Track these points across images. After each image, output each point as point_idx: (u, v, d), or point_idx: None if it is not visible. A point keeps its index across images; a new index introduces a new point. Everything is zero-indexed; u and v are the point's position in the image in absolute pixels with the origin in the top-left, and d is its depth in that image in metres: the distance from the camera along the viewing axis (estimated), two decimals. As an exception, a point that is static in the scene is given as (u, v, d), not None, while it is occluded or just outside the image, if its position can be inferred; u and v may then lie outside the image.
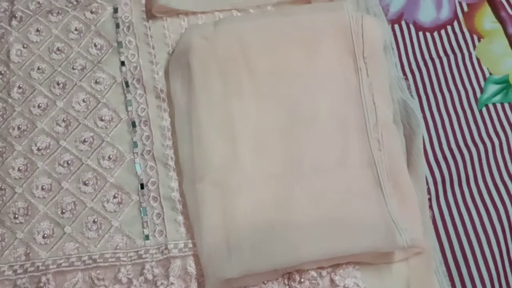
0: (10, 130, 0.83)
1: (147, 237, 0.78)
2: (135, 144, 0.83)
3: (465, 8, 0.96)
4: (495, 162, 0.82)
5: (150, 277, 0.75)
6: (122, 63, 0.89)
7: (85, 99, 0.86)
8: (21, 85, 0.87)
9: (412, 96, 0.88)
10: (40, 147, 0.82)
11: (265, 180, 0.78)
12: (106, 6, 0.93)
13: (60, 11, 0.92)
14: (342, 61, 0.85)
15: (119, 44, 0.90)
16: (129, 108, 0.86)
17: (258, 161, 0.79)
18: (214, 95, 0.83)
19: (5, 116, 0.85)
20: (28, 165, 0.81)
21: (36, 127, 0.84)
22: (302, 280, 0.74)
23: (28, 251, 0.76)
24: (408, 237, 0.72)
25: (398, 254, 0.75)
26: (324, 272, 0.75)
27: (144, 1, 0.94)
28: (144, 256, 0.76)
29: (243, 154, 0.79)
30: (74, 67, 0.88)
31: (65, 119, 0.85)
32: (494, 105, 0.87)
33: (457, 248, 0.77)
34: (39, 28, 0.91)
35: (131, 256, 0.76)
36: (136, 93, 0.87)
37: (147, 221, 0.79)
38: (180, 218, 0.79)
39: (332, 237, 0.73)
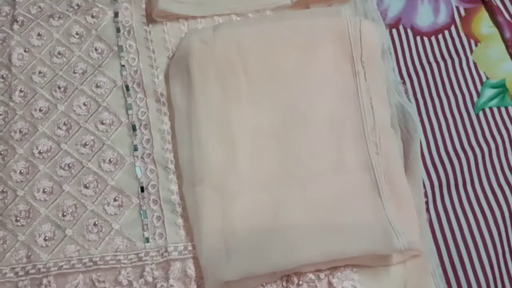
0: (12, 133, 0.84)
1: (147, 240, 0.78)
2: (135, 148, 0.84)
3: (463, 13, 0.96)
4: (491, 165, 0.83)
5: (150, 279, 0.75)
6: (123, 67, 0.89)
7: (86, 103, 0.86)
8: (22, 89, 0.87)
9: (409, 100, 0.88)
10: (41, 150, 0.83)
11: (263, 184, 0.78)
12: (106, 11, 0.93)
13: (61, 16, 0.93)
14: (340, 66, 0.85)
15: (120, 48, 0.90)
16: (130, 112, 0.86)
17: (256, 165, 0.80)
18: (213, 99, 0.83)
19: (6, 120, 0.85)
20: (30, 168, 0.82)
21: (38, 130, 0.84)
22: (300, 282, 0.74)
23: (29, 254, 0.77)
24: (405, 240, 0.72)
25: (395, 256, 0.75)
26: (322, 275, 0.75)
27: (145, 6, 0.94)
28: (144, 258, 0.77)
29: (241, 158, 0.80)
30: (75, 71, 0.89)
31: (66, 122, 0.85)
32: (491, 109, 0.87)
33: (454, 250, 0.77)
34: (40, 32, 0.91)
35: (131, 259, 0.77)
36: (136, 96, 0.87)
37: (147, 224, 0.79)
38: (180, 221, 0.79)
39: (329, 239, 0.73)
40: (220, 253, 0.73)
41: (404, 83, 0.90)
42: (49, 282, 0.75)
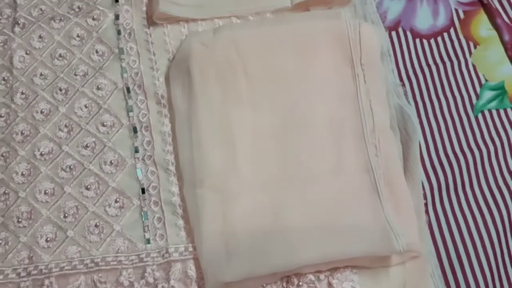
0: (14, 135, 0.84)
1: (148, 241, 0.78)
2: (136, 149, 0.84)
3: (462, 15, 0.96)
4: (490, 168, 0.83)
5: (151, 280, 0.76)
6: (124, 69, 0.89)
7: (87, 105, 0.87)
8: (24, 91, 0.87)
9: (408, 102, 0.88)
10: (43, 152, 0.83)
11: (263, 185, 0.78)
12: (107, 13, 0.94)
13: (62, 18, 0.93)
14: (339, 68, 0.85)
15: (121, 50, 0.91)
16: (130, 114, 0.86)
17: (256, 166, 0.80)
18: (214, 101, 0.83)
19: (8, 122, 0.85)
20: (31, 169, 0.82)
21: (39, 132, 0.84)
22: (300, 283, 0.75)
23: (31, 255, 0.77)
24: (405, 242, 0.72)
25: (394, 258, 0.75)
26: (322, 276, 0.75)
27: (145, 8, 0.94)
28: (145, 259, 0.77)
29: (241, 160, 0.80)
30: (76, 73, 0.89)
31: (67, 124, 0.85)
32: (490, 111, 0.87)
33: (453, 252, 0.78)
34: (41, 35, 0.92)
35: (132, 260, 0.77)
36: (137, 99, 0.87)
37: (148, 225, 0.79)
38: (181, 222, 0.79)
39: (329, 241, 0.74)
40: (221, 254, 0.74)
41: (403, 85, 0.90)
42: (51, 283, 0.75)
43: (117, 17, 0.93)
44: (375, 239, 0.73)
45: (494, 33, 0.94)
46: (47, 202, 0.80)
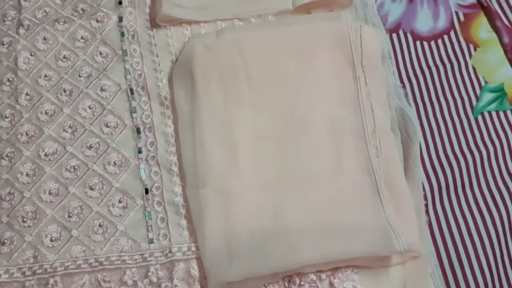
0: (19, 136, 0.85)
1: (151, 241, 0.79)
2: (139, 150, 0.85)
3: (462, 18, 0.96)
4: (490, 169, 0.83)
5: (154, 279, 0.76)
6: (127, 71, 0.90)
7: (91, 106, 0.87)
8: (28, 92, 0.88)
9: (409, 103, 0.88)
10: (47, 153, 0.84)
11: (263, 186, 0.79)
12: (111, 15, 0.94)
13: (66, 20, 0.94)
14: (340, 70, 0.86)
15: (124, 52, 0.91)
16: (134, 115, 0.87)
17: (258, 167, 0.80)
18: (216, 102, 0.84)
19: (13, 122, 0.86)
20: (36, 170, 0.83)
21: (44, 133, 0.85)
22: (302, 283, 0.75)
23: (36, 254, 0.77)
24: (405, 242, 0.72)
25: (395, 258, 0.76)
26: (323, 276, 0.76)
27: (148, 11, 0.95)
28: (148, 259, 0.77)
29: (243, 161, 0.80)
30: (80, 74, 0.90)
31: (71, 125, 0.86)
32: (490, 113, 0.88)
33: (453, 252, 0.78)
34: (46, 36, 0.92)
35: (136, 259, 0.77)
36: (140, 100, 0.88)
37: (151, 225, 0.80)
38: (184, 222, 0.80)
39: (330, 241, 0.74)
40: (223, 254, 0.74)
41: (404, 87, 0.90)
42: (55, 282, 0.75)
43: (120, 19, 0.94)
44: (376, 239, 0.74)
45: (494, 35, 0.95)
46: (51, 202, 0.81)
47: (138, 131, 0.86)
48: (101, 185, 0.82)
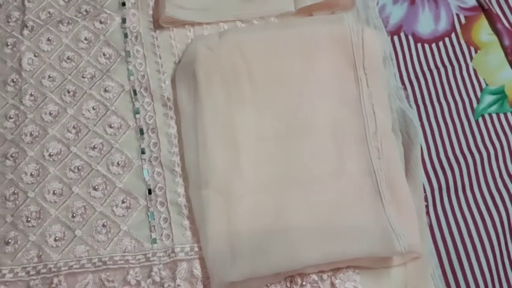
0: (23, 136, 0.85)
1: (154, 241, 0.79)
2: (143, 151, 0.85)
3: (463, 20, 0.97)
4: (490, 171, 0.84)
5: (157, 279, 0.76)
6: (130, 72, 0.90)
7: (94, 107, 0.87)
8: (33, 93, 0.88)
9: (410, 105, 0.88)
10: (51, 153, 0.84)
11: (266, 187, 0.79)
12: (114, 17, 0.95)
13: (70, 21, 0.94)
14: (342, 72, 0.86)
15: (127, 53, 0.92)
16: (137, 116, 0.87)
17: (260, 168, 0.80)
18: (218, 104, 0.84)
19: (17, 123, 0.86)
20: (40, 170, 0.83)
21: (48, 133, 0.85)
22: (303, 283, 0.75)
23: (40, 253, 0.78)
24: (406, 243, 0.73)
25: (396, 259, 0.76)
26: (325, 276, 0.76)
27: (152, 12, 0.95)
28: (152, 259, 0.78)
29: (245, 162, 0.81)
30: (84, 75, 0.90)
31: (75, 126, 0.86)
32: (490, 115, 0.88)
33: (453, 253, 0.78)
34: (50, 38, 0.93)
35: (139, 259, 0.78)
36: (143, 101, 0.88)
37: (154, 225, 0.80)
38: (186, 222, 0.80)
39: (331, 242, 0.74)
40: (225, 254, 0.74)
41: (405, 89, 0.91)
42: (59, 281, 0.76)
43: (124, 20, 0.94)
44: (377, 240, 0.74)
45: (494, 38, 0.95)
46: (55, 202, 0.81)
47: (141, 132, 0.86)
48: (104, 186, 0.82)
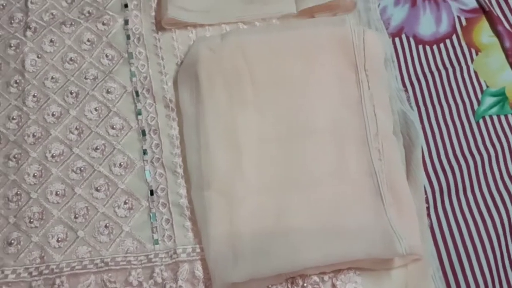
0: (26, 137, 0.85)
1: (156, 242, 0.79)
2: (145, 152, 0.85)
3: (464, 23, 0.97)
4: (491, 172, 0.84)
5: (159, 280, 0.76)
6: (133, 73, 0.91)
7: (97, 108, 0.88)
8: (35, 94, 0.89)
9: (411, 107, 0.89)
10: (54, 154, 0.84)
11: (268, 189, 0.79)
12: (117, 18, 0.95)
13: (73, 23, 0.94)
14: (343, 74, 0.86)
15: (130, 55, 0.92)
16: (139, 117, 0.87)
17: (261, 170, 0.81)
18: (221, 105, 0.84)
19: (20, 124, 0.86)
20: (43, 171, 0.83)
21: (50, 134, 0.86)
22: (305, 284, 0.76)
23: (43, 254, 0.78)
24: (407, 245, 0.73)
25: (397, 260, 0.76)
26: (326, 277, 0.76)
27: (154, 14, 0.95)
28: (154, 260, 0.78)
29: (247, 164, 0.81)
30: (87, 77, 0.90)
31: (78, 127, 0.86)
32: (491, 117, 0.88)
33: (454, 254, 0.79)
34: (52, 39, 0.93)
35: (141, 260, 0.78)
36: (146, 102, 0.89)
37: (156, 226, 0.80)
38: (188, 223, 0.80)
39: (332, 243, 0.75)
40: (227, 256, 0.75)
41: (406, 90, 0.91)
42: (62, 282, 0.76)
43: (126, 22, 0.95)
44: (378, 242, 0.74)
45: (495, 40, 0.95)
46: (58, 203, 0.81)
47: (144, 133, 0.86)
48: (106, 187, 0.83)
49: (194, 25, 0.94)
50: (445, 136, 0.87)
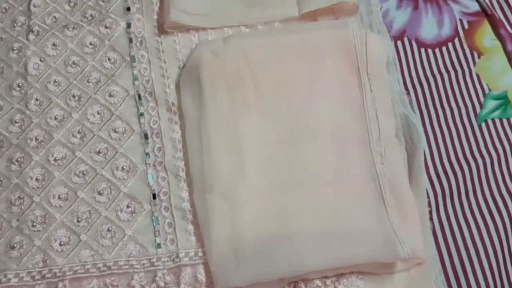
0: (28, 141, 0.85)
1: (159, 246, 0.79)
2: (147, 155, 0.85)
3: (466, 26, 0.97)
4: (493, 176, 0.84)
5: (162, 284, 0.76)
6: (135, 77, 0.91)
7: (99, 111, 0.88)
8: (38, 97, 0.89)
9: (413, 111, 0.89)
10: (56, 158, 0.84)
11: (269, 192, 0.79)
12: (119, 22, 0.95)
13: (75, 26, 0.94)
14: (346, 77, 0.86)
15: (132, 58, 0.92)
16: (142, 120, 0.88)
17: (264, 174, 0.81)
18: (223, 109, 0.84)
19: (23, 127, 0.86)
20: (46, 175, 0.83)
21: (53, 138, 0.86)
22: (307, 288, 0.76)
23: (45, 258, 0.78)
24: (409, 248, 0.73)
25: (399, 264, 0.76)
26: (328, 281, 0.76)
27: (156, 17, 0.95)
28: (156, 263, 0.78)
29: (249, 167, 0.81)
30: (89, 80, 0.90)
31: (80, 130, 0.86)
32: (493, 120, 0.88)
33: (456, 258, 0.78)
34: (55, 42, 0.93)
35: (143, 264, 0.78)
36: (148, 106, 0.89)
37: (159, 230, 0.80)
38: (191, 227, 0.80)
39: (334, 247, 0.75)
40: (229, 260, 0.75)
41: (408, 94, 0.91)
42: (64, 286, 0.76)
43: (129, 25, 0.95)
44: (380, 246, 0.74)
45: (497, 43, 0.95)
46: (60, 206, 0.81)
47: (146, 136, 0.87)
48: (109, 190, 0.83)
49: (197, 29, 0.94)
50: (447, 139, 0.87)
